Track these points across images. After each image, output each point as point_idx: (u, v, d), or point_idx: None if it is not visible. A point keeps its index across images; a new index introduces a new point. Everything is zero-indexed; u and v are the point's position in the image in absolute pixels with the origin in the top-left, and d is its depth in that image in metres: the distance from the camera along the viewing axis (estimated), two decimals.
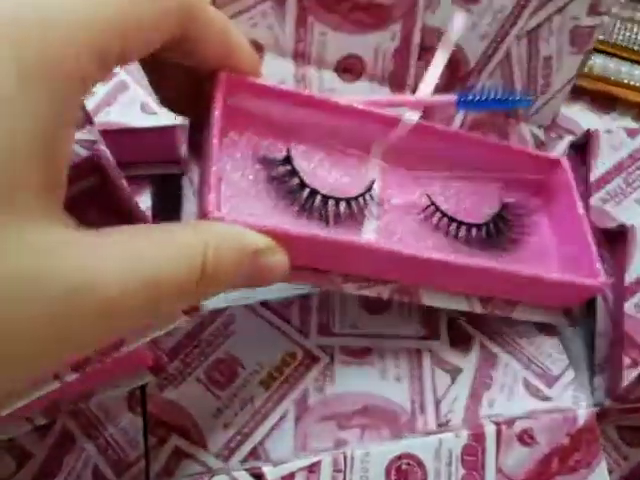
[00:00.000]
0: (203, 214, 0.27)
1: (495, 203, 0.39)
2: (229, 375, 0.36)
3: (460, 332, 0.38)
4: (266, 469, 0.30)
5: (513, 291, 0.37)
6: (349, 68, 0.40)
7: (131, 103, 0.42)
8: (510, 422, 0.31)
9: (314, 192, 0.35)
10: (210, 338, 0.38)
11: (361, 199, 0.36)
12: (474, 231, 0.38)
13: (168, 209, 0.43)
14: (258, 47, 0.39)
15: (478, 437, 0.31)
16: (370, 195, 0.37)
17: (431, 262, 0.34)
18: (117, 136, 0.39)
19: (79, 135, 0.37)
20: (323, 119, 0.36)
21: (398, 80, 0.41)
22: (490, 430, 0.31)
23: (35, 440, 0.35)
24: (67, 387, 0.32)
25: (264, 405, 0.35)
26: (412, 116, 0.37)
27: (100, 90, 0.42)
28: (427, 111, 0.38)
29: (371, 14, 0.39)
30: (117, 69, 0.43)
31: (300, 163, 0.36)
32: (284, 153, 0.35)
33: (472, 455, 0.30)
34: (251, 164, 0.35)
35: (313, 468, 0.30)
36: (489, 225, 0.38)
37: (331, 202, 0.35)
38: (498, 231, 0.38)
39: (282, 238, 0.30)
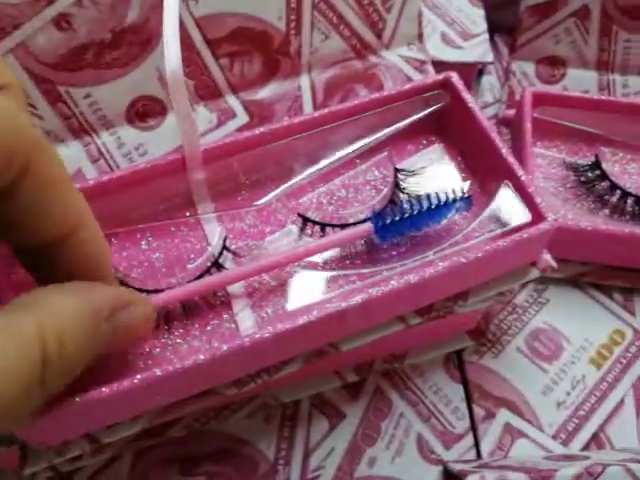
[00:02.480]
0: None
1: None
2: (553, 348, 0.33)
3: None
4: None
5: None
6: None
7: (430, 32, 0.38)
8: None
9: (626, 194, 0.34)
10: (524, 305, 0.34)
11: None
12: None
13: None
14: (561, 62, 0.38)
15: None
16: None
17: None
18: None
19: (410, 53, 0.33)
20: (629, 122, 0.36)
21: None
22: None
23: (346, 400, 0.31)
24: (381, 345, 0.28)
25: (598, 386, 0.32)
26: None
27: None
28: None
29: None
30: None
31: (608, 166, 0.35)
32: (592, 158, 0.35)
33: None
34: (560, 170, 0.35)
35: None
36: None
37: None
38: None
39: (597, 237, 0.31)
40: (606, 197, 0.34)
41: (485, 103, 0.40)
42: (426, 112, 0.29)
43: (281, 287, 0.25)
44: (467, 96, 0.29)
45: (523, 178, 0.26)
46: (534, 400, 0.31)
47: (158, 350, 0.24)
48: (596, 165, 0.35)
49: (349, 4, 0.31)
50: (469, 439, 0.30)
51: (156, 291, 0.24)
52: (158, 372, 0.21)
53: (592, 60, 0.38)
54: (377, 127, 0.29)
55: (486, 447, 0.30)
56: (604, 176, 0.35)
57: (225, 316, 0.25)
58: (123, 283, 0.25)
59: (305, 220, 0.27)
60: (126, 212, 0.26)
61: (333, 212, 0.27)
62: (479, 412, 0.31)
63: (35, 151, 0.18)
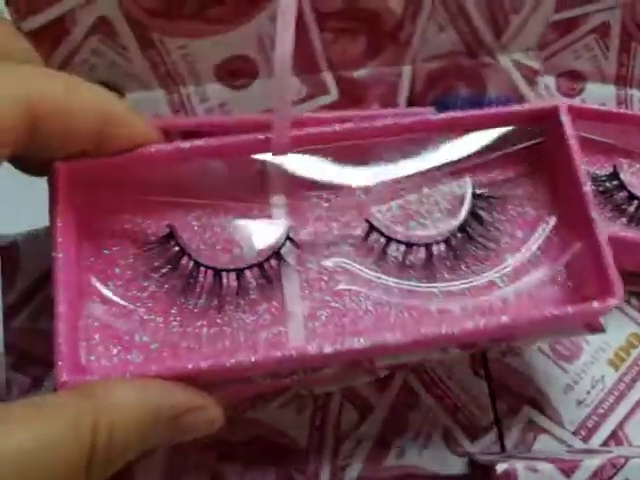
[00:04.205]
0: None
1: None
2: (573, 350, 0.34)
3: None
4: None
5: None
6: None
7: None
8: None
9: None
10: None
11: None
12: None
13: None
14: (581, 76, 0.39)
15: None
16: None
17: None
18: None
19: (525, 60, 0.33)
20: None
21: None
22: None
23: (375, 393, 0.32)
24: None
25: (616, 386, 0.33)
26: None
27: None
28: None
29: None
30: None
31: (626, 177, 0.36)
32: (610, 169, 0.36)
33: None
34: None
35: None
36: None
37: None
38: None
39: (616, 244, 0.29)
40: (623, 206, 0.36)
41: None
42: (524, 144, 0.28)
43: (335, 297, 0.25)
44: (570, 133, 0.27)
45: (602, 243, 0.25)
46: (555, 398, 0.32)
47: (211, 331, 0.25)
48: (614, 176, 0.36)
49: None
50: (493, 433, 0.31)
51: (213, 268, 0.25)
52: (204, 365, 0.22)
53: (611, 75, 0.40)
54: (468, 146, 0.27)
55: (509, 441, 0.31)
56: (622, 186, 0.36)
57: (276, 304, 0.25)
58: (184, 252, 0.25)
59: (371, 227, 0.26)
60: (198, 184, 0.26)
61: (401, 226, 0.27)
62: (502, 408, 0.32)
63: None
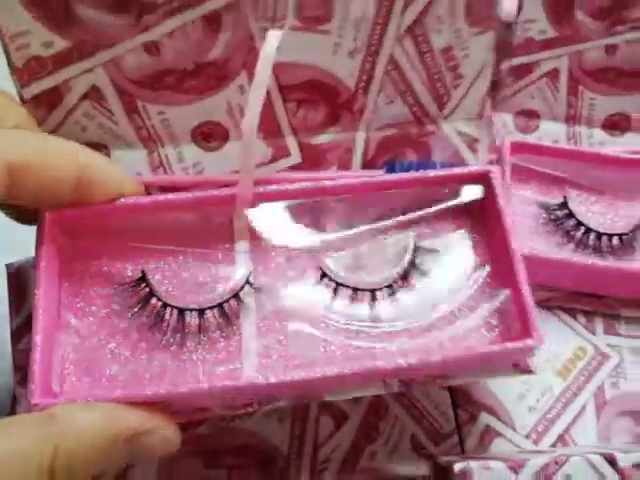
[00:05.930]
0: None
1: None
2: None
3: None
4: (619, 455, 0.30)
5: None
6: (616, 124, 0.44)
7: None
8: None
9: (589, 230, 0.38)
10: None
11: (632, 234, 0.38)
12: None
13: None
14: (536, 115, 0.43)
15: None
16: None
17: None
18: None
19: (465, 129, 0.36)
20: (593, 168, 0.40)
21: None
22: None
23: (350, 403, 0.35)
24: None
25: (563, 395, 0.36)
26: None
27: None
28: None
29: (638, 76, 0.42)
30: None
31: (575, 206, 0.39)
32: (561, 199, 0.39)
33: None
34: (533, 209, 0.40)
35: None
36: None
37: (604, 238, 0.38)
38: None
39: (564, 267, 0.34)
40: (572, 233, 0.39)
41: None
42: (461, 202, 0.31)
43: (288, 336, 0.28)
44: (501, 195, 0.29)
45: (526, 292, 0.28)
46: (510, 405, 0.36)
47: (174, 364, 0.27)
48: (564, 205, 0.40)
49: (420, 76, 0.34)
50: (455, 438, 0.35)
51: (177, 308, 0.27)
52: (162, 391, 0.24)
53: (561, 114, 0.44)
54: (412, 203, 0.31)
55: (469, 445, 0.35)
56: (571, 215, 0.40)
57: (234, 342, 0.28)
58: (153, 294, 0.28)
59: (323, 274, 0.29)
60: (171, 232, 0.29)
61: (351, 273, 0.29)
62: (463, 415, 0.35)
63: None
